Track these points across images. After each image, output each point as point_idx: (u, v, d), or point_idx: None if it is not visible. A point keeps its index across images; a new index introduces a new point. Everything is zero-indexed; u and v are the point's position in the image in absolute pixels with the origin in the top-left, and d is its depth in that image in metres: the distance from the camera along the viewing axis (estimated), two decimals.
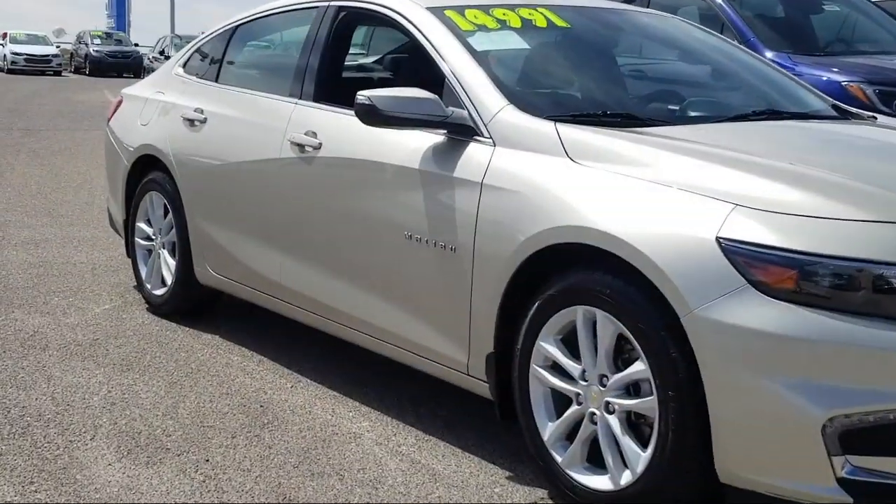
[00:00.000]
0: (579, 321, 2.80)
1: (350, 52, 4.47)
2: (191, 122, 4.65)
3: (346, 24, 4.12)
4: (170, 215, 4.84)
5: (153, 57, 24.06)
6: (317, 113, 3.92)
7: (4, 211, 7.87)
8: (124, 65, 37.77)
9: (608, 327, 2.73)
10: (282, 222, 4.01)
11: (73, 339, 4.59)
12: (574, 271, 2.85)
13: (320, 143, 3.79)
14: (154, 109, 5.01)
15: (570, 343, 2.89)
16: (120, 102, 5.50)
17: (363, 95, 3.25)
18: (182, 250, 4.74)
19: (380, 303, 3.54)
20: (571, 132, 3.02)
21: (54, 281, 5.67)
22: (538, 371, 2.95)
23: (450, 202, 3.18)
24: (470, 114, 3.26)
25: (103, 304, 5.23)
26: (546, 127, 3.07)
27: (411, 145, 3.40)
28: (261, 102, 4.29)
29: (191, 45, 5.15)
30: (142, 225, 5.12)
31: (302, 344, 4.51)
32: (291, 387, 4.02)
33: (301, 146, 3.88)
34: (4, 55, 37.13)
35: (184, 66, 5.09)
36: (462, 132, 3.25)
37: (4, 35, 38.73)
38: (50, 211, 8.00)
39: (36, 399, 3.82)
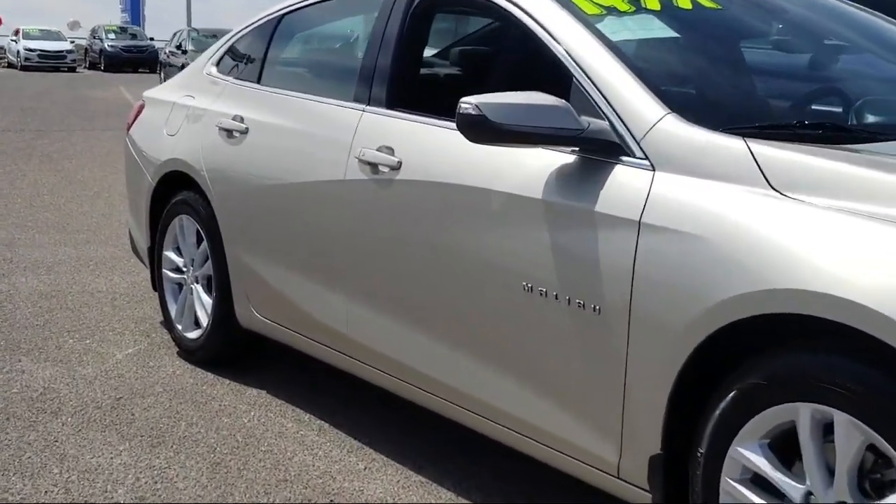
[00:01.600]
0: (803, 425, 1.96)
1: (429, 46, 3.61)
2: (228, 132, 3.83)
3: (425, 10, 3.27)
4: (204, 244, 4.03)
5: (170, 52, 23.24)
6: (393, 123, 3.09)
7: (14, 227, 7.07)
8: (140, 60, 37.06)
9: (853, 436, 1.88)
10: (348, 260, 3.18)
11: (91, 399, 3.78)
12: (791, 350, 2.01)
13: (399, 162, 2.96)
14: (183, 116, 4.18)
15: (783, 449, 2.04)
16: (141, 107, 4.68)
17: (469, 103, 2.41)
18: (220, 287, 3.93)
19: (485, 371, 2.71)
20: (770, 152, 2.18)
21: (68, 316, 4.87)
22: (733, 487, 2.12)
23: (591, 245, 2.35)
24: (613, 126, 2.42)
25: (126, 347, 4.42)
26: (733, 144, 2.23)
27: (529, 167, 2.57)
28: (316, 109, 3.46)
29: (224, 39, 4.31)
30: (170, 254, 4.30)
31: (372, 405, 3.69)
32: (365, 468, 3.20)
33: (373, 165, 3.05)
34: (18, 51, 36.44)
35: (217, 64, 4.26)
36: (603, 151, 2.42)
37: (17, 31, 38.03)
38: (63, 226, 7.20)
39: (45, 492, 3.01)
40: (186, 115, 4.19)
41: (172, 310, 4.33)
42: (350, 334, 3.24)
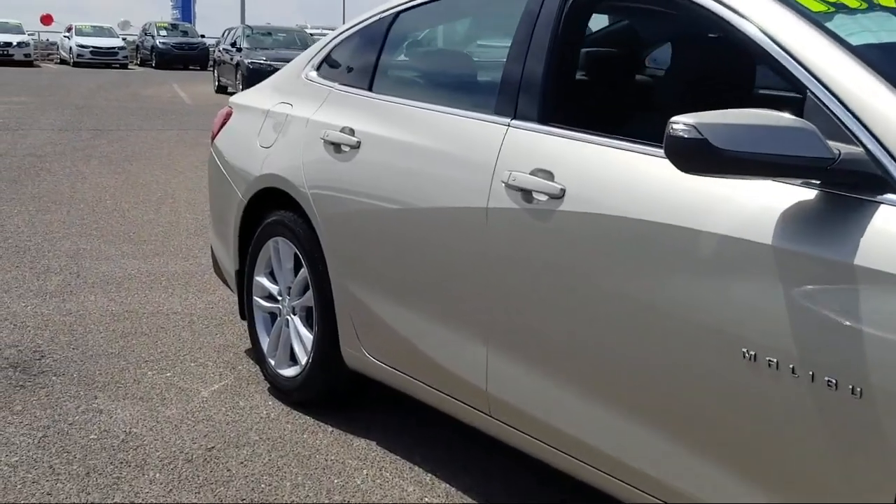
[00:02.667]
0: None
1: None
2: (336, 146, 3.34)
3: (583, 8, 2.75)
4: (303, 271, 3.55)
5: (223, 49, 22.90)
6: (550, 142, 2.58)
7: (78, 236, 6.66)
8: (191, 57, 36.91)
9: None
10: (491, 304, 2.67)
11: (179, 448, 3.31)
12: None
13: (562, 190, 2.44)
14: (279, 126, 3.70)
15: None
16: (228, 114, 4.21)
17: (684, 124, 1.89)
18: (323, 321, 3.45)
19: (678, 453, 2.18)
20: None
21: (144, 343, 4.42)
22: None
23: (850, 309, 1.81)
24: (871, 154, 1.88)
25: (211, 382, 3.95)
26: None
27: (749, 204, 2.06)
28: (446, 123, 2.96)
29: (325, 40, 3.83)
30: (263, 280, 3.83)
31: (508, 465, 3.18)
32: None
33: (525, 192, 2.54)
34: (70, 48, 36.40)
35: (317, 68, 3.78)
36: (859, 185, 1.89)
37: (70, 28, 38.02)
38: (130, 235, 6.77)
39: None
40: (283, 124, 3.70)
41: (264, 342, 3.86)
42: (491, 391, 2.73)
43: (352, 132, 3.31)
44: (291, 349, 3.73)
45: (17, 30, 35.47)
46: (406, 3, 3.43)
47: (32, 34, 38.13)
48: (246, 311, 3.99)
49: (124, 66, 36.31)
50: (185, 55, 36.91)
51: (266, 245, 3.79)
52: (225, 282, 4.31)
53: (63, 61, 37.67)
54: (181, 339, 4.52)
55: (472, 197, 2.74)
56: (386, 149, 3.15)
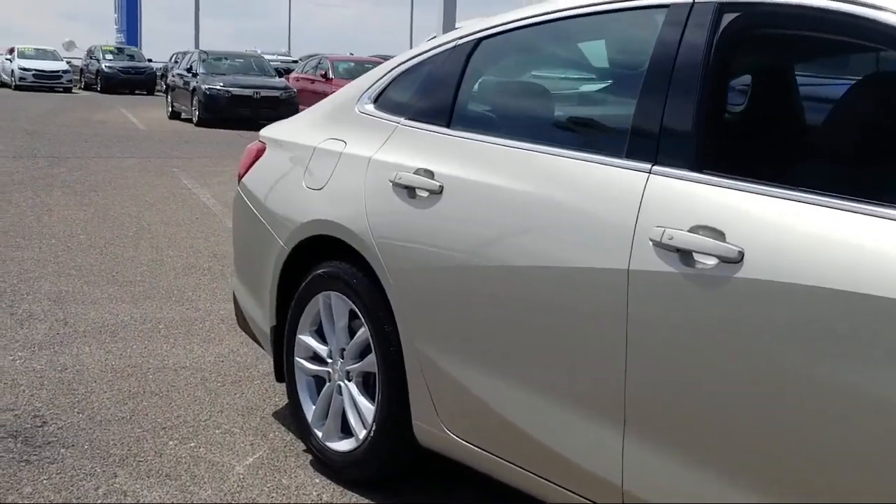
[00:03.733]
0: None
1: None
2: (409, 190, 2.90)
3: (736, 38, 2.36)
4: (363, 331, 3.09)
5: (178, 73, 22.26)
6: (717, 195, 2.16)
7: (56, 276, 6.10)
8: (138, 81, 36.12)
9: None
10: (631, 380, 2.24)
11: None
12: None
13: (740, 253, 2.02)
14: (331, 166, 3.26)
15: None
16: (259, 151, 3.74)
17: None
18: (389, 390, 3.00)
19: None
20: None
21: (157, 405, 3.92)
22: None
23: None
24: None
25: (243, 454, 3.47)
26: None
27: None
28: (560, 167, 2.54)
29: (383, 70, 3.40)
30: (308, 339, 3.36)
31: None
32: None
33: (685, 253, 2.13)
34: (12, 70, 35.35)
35: (375, 100, 3.33)
36: None
37: (12, 50, 36.97)
38: (113, 275, 6.23)
39: None
40: (337, 163, 3.26)
41: (308, 410, 3.39)
42: (630, 488, 2.29)
43: (430, 175, 2.87)
44: (344, 419, 3.26)
45: None
46: (489, 28, 3.01)
47: None
48: (285, 373, 3.50)
49: (68, 90, 35.39)
50: (131, 79, 36.12)
51: (314, 300, 3.33)
52: (254, 337, 3.83)
53: (3, 84, 36.59)
54: (197, 400, 4.02)
55: (604, 256, 2.32)
56: (479, 195, 2.72)
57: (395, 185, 2.98)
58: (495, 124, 3.01)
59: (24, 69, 34.82)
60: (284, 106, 20.28)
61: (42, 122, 19.53)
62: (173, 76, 22.60)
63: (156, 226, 8.15)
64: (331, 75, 22.80)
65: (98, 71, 36.11)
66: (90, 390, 4.08)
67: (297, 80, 23.54)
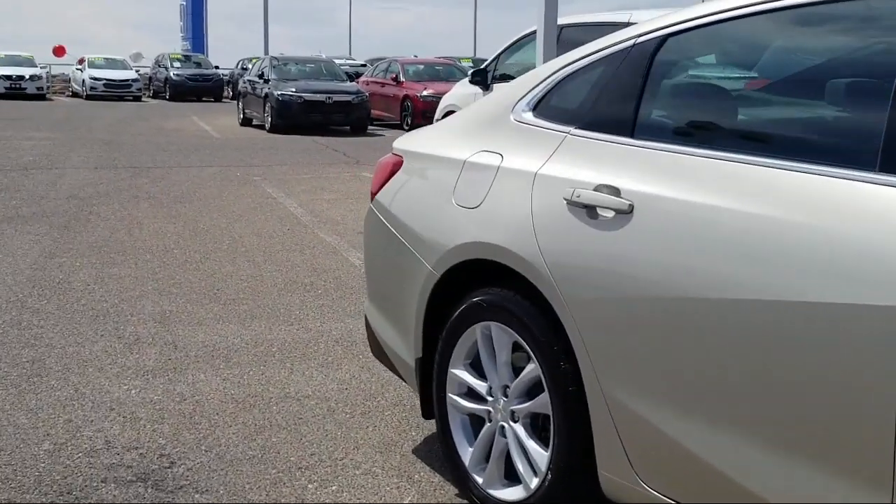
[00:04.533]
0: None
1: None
2: (590, 209, 2.56)
3: None
4: (533, 368, 2.75)
5: (249, 80, 22.18)
6: None
7: (157, 294, 5.87)
8: (206, 88, 36.33)
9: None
10: None
11: None
12: None
13: None
14: (487, 182, 2.93)
15: None
16: (395, 164, 3.43)
17: None
18: (568, 433, 2.65)
19: None
20: None
21: (287, 441, 3.67)
22: None
23: None
24: None
25: (391, 500, 3.15)
26: None
27: None
28: (793, 183, 2.17)
29: (541, 73, 3.06)
30: (462, 374, 3.05)
31: None
32: None
33: None
34: (83, 80, 35.75)
35: (534, 108, 2.99)
36: None
37: (82, 60, 37.41)
38: (215, 292, 5.98)
39: None
40: (494, 179, 2.93)
41: (465, 453, 3.07)
42: None
43: (616, 192, 2.53)
44: (508, 464, 2.93)
45: (30, 63, 34.85)
46: (678, 24, 2.65)
47: (44, 67, 37.46)
48: (435, 410, 3.18)
49: (137, 99, 35.70)
50: (199, 87, 36.34)
51: (469, 330, 3.01)
52: (392, 367, 3.53)
53: (75, 94, 37.05)
54: (328, 434, 3.73)
55: (872, 291, 1.94)
56: (680, 216, 2.36)
57: (572, 203, 2.64)
58: (691, 133, 2.65)
59: (95, 79, 35.19)
60: (357, 110, 20.12)
61: (116, 131, 19.58)
62: (244, 83, 22.54)
63: (248, 238, 7.92)
64: (402, 78, 22.60)
65: (166, 79, 36.39)
66: (214, 424, 3.80)
67: (367, 83, 23.36)
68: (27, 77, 33.42)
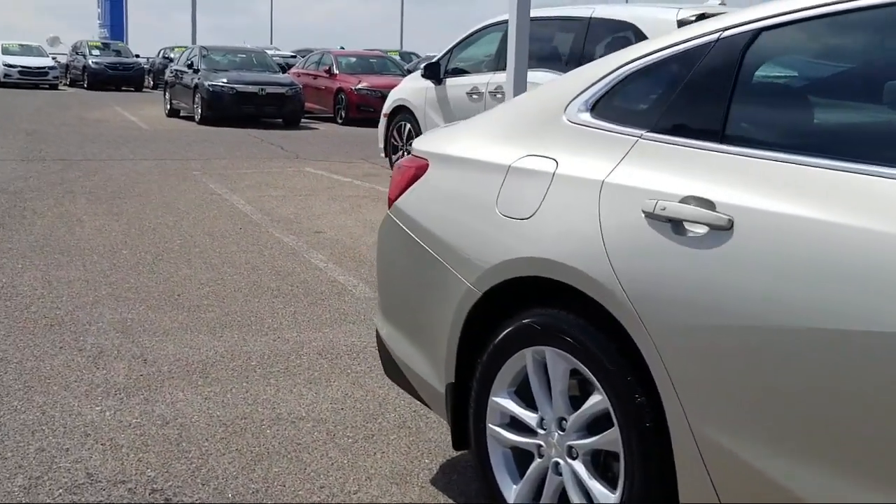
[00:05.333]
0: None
1: None
2: (676, 224, 2.29)
3: None
4: (599, 399, 2.46)
5: (177, 70, 21.47)
6: None
7: (113, 300, 5.43)
8: (126, 77, 35.30)
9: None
10: None
11: None
12: None
13: None
14: (540, 190, 2.64)
15: None
16: (420, 168, 3.10)
17: None
18: (644, 476, 2.36)
19: None
20: None
21: (290, 472, 3.35)
22: None
23: None
24: None
25: None
26: None
27: None
28: None
29: (597, 69, 2.76)
30: (506, 403, 2.75)
31: None
32: None
33: None
34: None
35: (592, 108, 2.69)
36: None
37: None
38: (175, 298, 5.57)
39: None
40: (550, 187, 2.63)
41: (508, 491, 2.77)
42: None
43: (710, 205, 2.24)
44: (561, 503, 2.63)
45: None
46: (774, 16, 2.38)
47: None
48: (471, 441, 2.86)
49: (54, 87, 34.54)
50: (119, 76, 35.31)
51: (517, 355, 2.71)
52: (413, 392, 3.20)
53: None
54: (333, 462, 3.39)
55: None
56: (795, 234, 2.09)
57: (652, 216, 2.34)
58: (792, 139, 2.37)
59: (10, 66, 33.94)
60: (290, 103, 19.63)
61: (38, 121, 18.77)
62: (171, 72, 21.84)
63: (200, 238, 7.48)
64: (335, 70, 22.17)
65: (85, 67, 35.28)
66: (205, 452, 3.43)
67: (299, 75, 22.85)
68: None
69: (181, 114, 21.41)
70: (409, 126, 11.34)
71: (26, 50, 35.80)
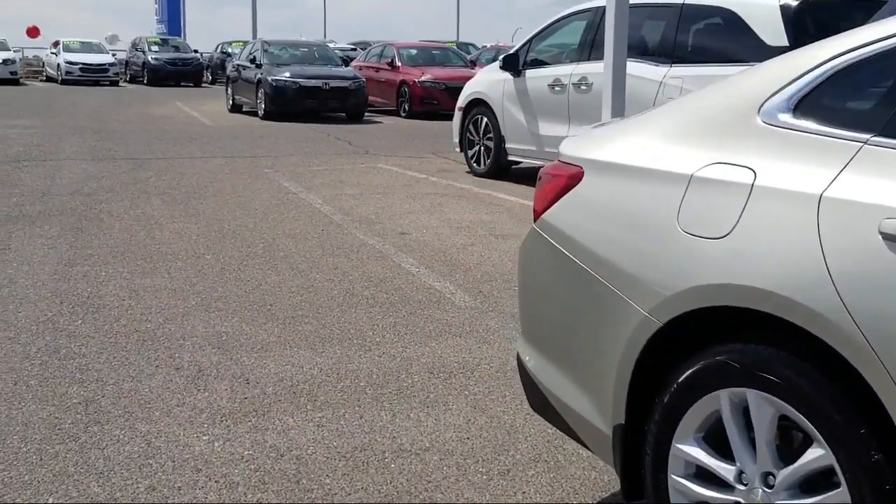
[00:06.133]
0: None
1: None
2: None
3: None
4: (822, 454, 2.09)
5: (240, 65, 21.30)
6: None
7: (204, 311, 5.15)
8: (185, 73, 35.35)
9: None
10: None
11: None
12: None
13: None
14: (736, 204, 2.27)
15: None
16: (573, 177, 2.72)
17: None
18: None
19: None
20: None
21: None
22: None
23: None
24: None
25: None
26: None
27: None
28: None
29: (798, 62, 2.37)
30: (694, 451, 2.39)
31: None
32: None
33: None
34: (58, 64, 34.64)
35: (794, 108, 2.30)
36: None
37: (57, 43, 36.27)
38: (269, 308, 5.28)
39: None
40: (748, 201, 2.25)
41: None
42: None
43: None
44: None
45: (2, 46, 33.63)
46: None
47: (17, 50, 36.26)
48: (649, 493, 2.49)
49: (115, 84, 34.70)
50: (178, 71, 35.36)
51: (710, 396, 2.32)
52: (568, 430, 2.83)
53: (49, 79, 35.95)
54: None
55: None
56: None
57: (892, 237, 1.94)
58: None
59: (71, 63, 34.14)
60: (354, 97, 19.37)
61: (101, 118, 18.73)
62: (233, 68, 21.67)
63: (282, 241, 7.18)
64: (397, 63, 21.88)
65: (144, 63, 35.37)
66: (328, 491, 3.11)
67: (360, 69, 22.56)
68: (0, 61, 32.24)
69: (243, 109, 21.25)
70: (485, 120, 10.97)
71: (86, 47, 35.99)
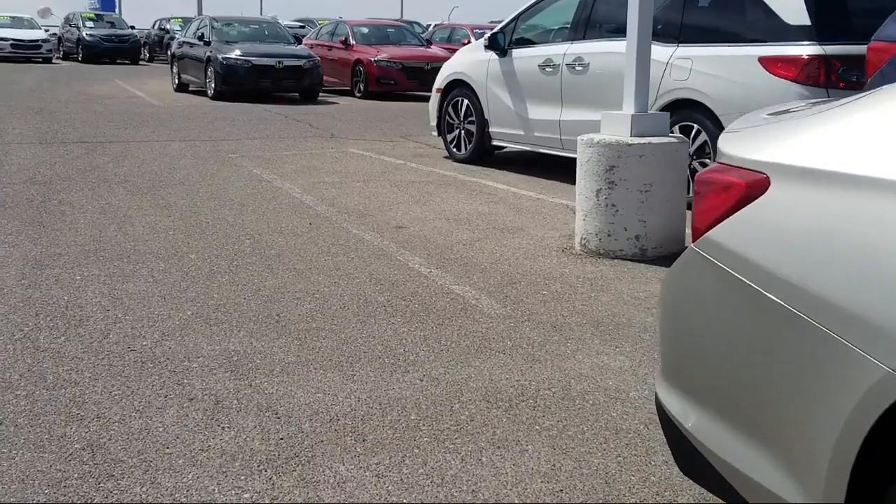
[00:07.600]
0: None
1: None
2: None
3: None
4: None
5: (186, 41, 20.32)
6: None
7: (204, 324, 4.50)
8: (122, 50, 34.13)
9: None
10: None
11: None
12: None
13: None
14: None
15: None
16: (753, 187, 2.13)
17: None
18: None
19: None
20: None
21: None
22: None
23: None
24: None
25: None
26: None
27: None
28: None
29: None
30: None
31: None
32: None
33: None
34: None
35: None
36: None
37: None
38: (276, 319, 4.67)
39: None
40: None
41: None
42: None
43: None
44: None
45: None
46: None
47: None
48: None
49: (48, 61, 33.36)
50: (115, 48, 34.16)
51: None
52: None
53: None
54: None
55: None
56: None
57: None
58: None
59: (1, 39, 32.63)
60: (309, 76, 18.60)
61: (41, 98, 17.71)
62: (179, 45, 20.70)
63: (270, 237, 6.51)
64: (351, 41, 21.13)
65: (79, 39, 34.07)
66: None
67: (312, 47, 21.75)
68: None
69: (190, 88, 20.35)
70: (467, 102, 10.35)
71: (17, 22, 34.49)
